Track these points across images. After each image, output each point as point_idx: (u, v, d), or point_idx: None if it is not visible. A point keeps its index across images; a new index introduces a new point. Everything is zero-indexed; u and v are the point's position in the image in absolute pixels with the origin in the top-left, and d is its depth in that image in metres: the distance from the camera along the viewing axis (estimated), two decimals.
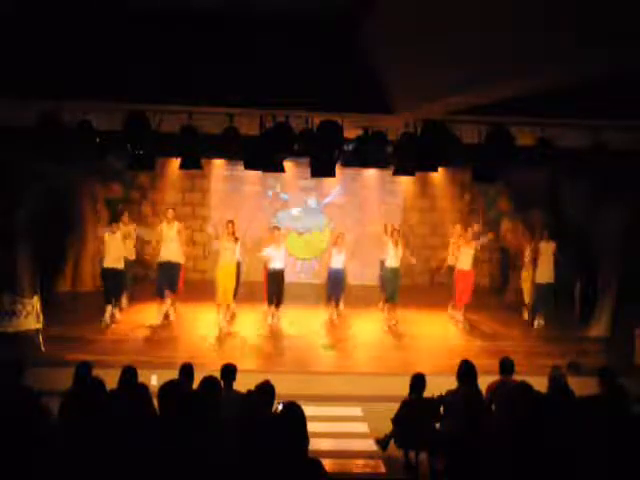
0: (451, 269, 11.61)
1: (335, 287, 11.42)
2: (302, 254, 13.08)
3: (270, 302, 11.13)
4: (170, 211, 11.19)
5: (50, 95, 6.77)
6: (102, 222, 12.29)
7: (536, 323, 11.38)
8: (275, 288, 11.08)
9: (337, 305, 11.53)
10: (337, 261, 11.35)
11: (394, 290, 11.23)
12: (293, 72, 6.72)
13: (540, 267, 11.24)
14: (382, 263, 11.59)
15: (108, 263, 10.74)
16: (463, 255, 11.22)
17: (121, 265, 10.84)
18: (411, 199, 13.62)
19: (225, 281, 10.79)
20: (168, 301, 11.04)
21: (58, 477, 3.95)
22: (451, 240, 11.89)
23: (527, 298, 11.77)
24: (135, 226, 11.50)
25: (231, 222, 10.88)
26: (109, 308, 10.75)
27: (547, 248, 11.20)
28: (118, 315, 11.00)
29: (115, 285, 10.89)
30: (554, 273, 11.23)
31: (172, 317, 11.04)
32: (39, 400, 4.86)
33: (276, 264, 11.00)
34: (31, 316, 9.34)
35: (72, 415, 4.92)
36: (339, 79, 6.76)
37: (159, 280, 11.08)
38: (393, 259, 11.19)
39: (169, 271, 10.99)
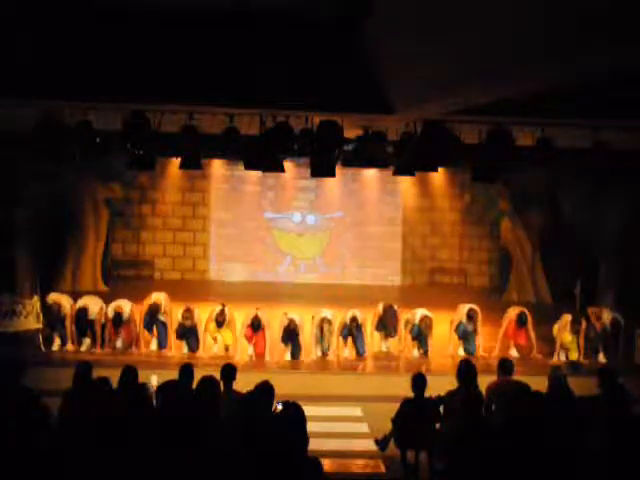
0: None
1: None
2: (303, 254, 13.06)
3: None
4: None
5: (50, 95, 6.78)
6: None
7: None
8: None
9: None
10: None
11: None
12: (293, 72, 6.72)
13: None
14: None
15: None
16: None
17: None
18: (411, 199, 13.61)
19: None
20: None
21: (58, 477, 3.95)
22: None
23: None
24: None
25: (222, 311, 9.37)
26: None
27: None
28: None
29: None
30: None
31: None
32: (39, 400, 4.86)
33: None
34: (31, 316, 9.34)
35: (72, 415, 4.93)
36: (339, 79, 6.75)
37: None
38: None
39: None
